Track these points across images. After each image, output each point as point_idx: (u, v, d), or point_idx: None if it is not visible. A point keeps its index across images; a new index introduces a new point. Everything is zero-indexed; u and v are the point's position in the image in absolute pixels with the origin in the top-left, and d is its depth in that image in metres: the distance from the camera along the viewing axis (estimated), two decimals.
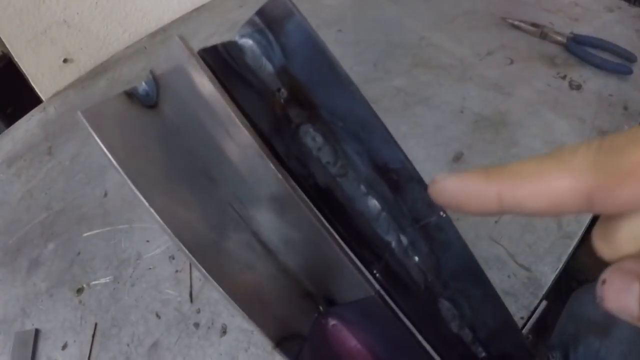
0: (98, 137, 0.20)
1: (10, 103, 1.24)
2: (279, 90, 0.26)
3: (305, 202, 0.25)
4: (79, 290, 0.56)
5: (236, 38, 0.26)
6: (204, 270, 0.22)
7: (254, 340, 0.45)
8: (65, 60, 0.92)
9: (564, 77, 0.64)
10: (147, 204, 0.21)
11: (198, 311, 0.48)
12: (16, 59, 0.89)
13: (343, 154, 0.27)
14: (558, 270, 0.44)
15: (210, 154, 0.25)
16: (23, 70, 0.90)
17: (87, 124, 0.20)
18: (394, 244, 0.30)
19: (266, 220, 0.27)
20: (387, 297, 0.28)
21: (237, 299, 0.25)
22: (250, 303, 0.26)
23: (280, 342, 0.26)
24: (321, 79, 0.26)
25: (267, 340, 0.25)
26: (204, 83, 0.22)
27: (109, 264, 0.57)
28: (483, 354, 0.35)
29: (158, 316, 0.49)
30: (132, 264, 0.55)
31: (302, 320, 0.29)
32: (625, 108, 0.59)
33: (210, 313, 0.48)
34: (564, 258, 0.45)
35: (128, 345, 0.49)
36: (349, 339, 0.29)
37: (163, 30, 0.96)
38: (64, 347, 0.52)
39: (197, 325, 0.47)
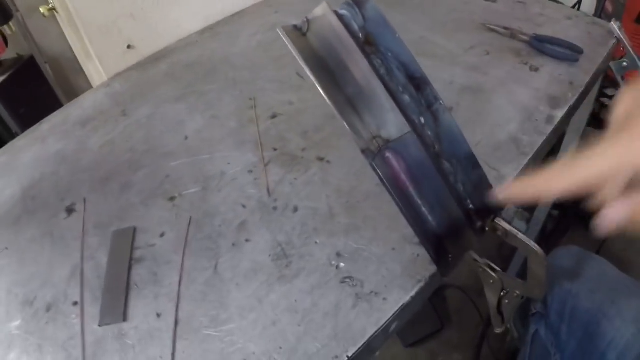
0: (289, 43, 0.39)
1: (25, 104, 1.35)
2: (360, 36, 0.45)
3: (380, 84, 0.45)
4: (172, 199, 0.69)
5: (338, 10, 0.45)
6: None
7: (317, 213, 0.62)
8: (128, 47, 1.06)
9: (526, 64, 0.84)
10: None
11: (275, 200, 0.65)
12: (87, 42, 1.02)
13: (391, 69, 0.47)
14: (518, 170, 0.63)
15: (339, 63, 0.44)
16: (92, 52, 1.04)
17: (285, 36, 0.39)
18: (417, 122, 0.49)
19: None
20: (419, 134, 0.47)
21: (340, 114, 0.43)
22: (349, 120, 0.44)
23: (363, 150, 0.44)
24: (382, 32, 0.45)
25: (357, 144, 0.43)
26: (336, 24, 0.41)
27: (196, 180, 0.71)
28: (470, 206, 0.53)
29: (244, 206, 0.65)
30: (217, 178, 0.71)
31: (372, 147, 0.46)
32: (571, 83, 0.79)
33: (285, 200, 0.64)
34: (522, 165, 0.64)
35: (220, 226, 0.64)
36: (395, 165, 0.47)
37: (210, 28, 1.11)
38: (162, 235, 0.64)
39: (275, 208, 0.64)
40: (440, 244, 0.49)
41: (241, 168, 0.71)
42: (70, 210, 0.72)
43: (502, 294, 0.58)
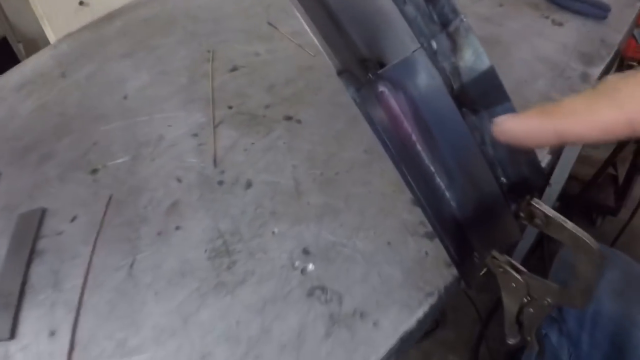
0: None
1: None
2: None
3: None
4: (94, 171, 0.52)
5: None
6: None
7: (279, 189, 0.41)
8: (81, 3, 0.89)
9: (547, 17, 0.69)
10: None
11: (222, 172, 0.45)
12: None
13: None
14: None
15: None
16: (40, 12, 0.87)
17: None
18: (431, 47, 0.30)
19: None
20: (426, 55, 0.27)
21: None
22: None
23: (342, 72, 0.25)
24: None
25: (333, 64, 0.24)
26: None
27: (127, 148, 0.53)
28: (503, 179, 0.33)
29: (179, 180, 0.46)
30: (152, 144, 0.52)
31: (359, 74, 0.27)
32: (603, 40, 0.65)
33: (235, 172, 0.45)
34: None
35: (145, 207, 0.45)
36: (393, 104, 0.28)
37: None
38: (73, 219, 0.48)
39: (221, 182, 0.44)
40: (462, 237, 0.31)
41: (184, 131, 0.51)
42: None
43: (525, 300, 0.40)
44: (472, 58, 0.31)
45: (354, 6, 0.28)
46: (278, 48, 0.63)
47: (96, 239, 0.45)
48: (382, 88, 0.28)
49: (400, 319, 0.34)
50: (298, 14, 0.26)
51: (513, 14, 0.72)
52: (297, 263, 0.37)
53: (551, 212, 0.32)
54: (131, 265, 0.40)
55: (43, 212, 0.51)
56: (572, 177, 1.45)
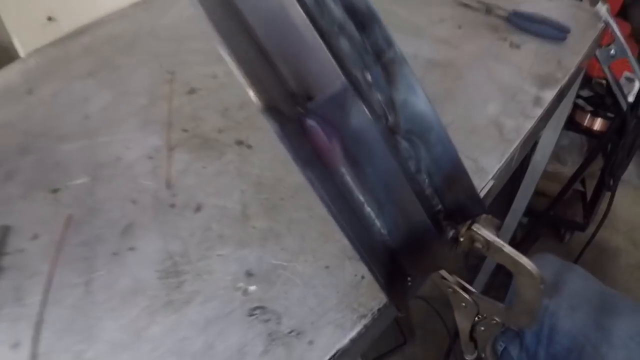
0: None
1: None
2: None
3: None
4: (55, 191, 0.54)
5: None
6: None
7: (227, 213, 0.44)
8: (49, 19, 0.90)
9: (505, 39, 0.70)
10: None
11: (174, 195, 0.47)
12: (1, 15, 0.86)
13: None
14: (502, 162, 0.46)
15: None
16: (8, 26, 0.88)
17: None
18: (360, 78, 0.32)
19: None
20: (355, 92, 0.29)
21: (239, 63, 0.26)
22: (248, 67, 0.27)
23: (267, 109, 0.27)
24: None
25: (257, 101, 0.26)
26: None
27: (87, 169, 0.55)
28: (439, 206, 0.36)
29: (134, 202, 0.48)
30: (111, 166, 0.54)
31: (287, 109, 0.29)
32: (559, 62, 0.65)
33: (186, 195, 0.47)
34: (507, 155, 0.47)
35: (102, 228, 0.47)
36: (322, 138, 0.30)
37: (144, 1, 0.95)
38: (34, 237, 0.49)
39: (172, 205, 0.46)
40: (394, 262, 0.34)
41: (141, 153, 0.53)
42: None
43: (476, 319, 0.44)
44: (406, 89, 0.34)
45: (283, 40, 0.29)
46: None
47: (55, 257, 0.47)
48: (310, 122, 0.31)
49: (334, 339, 0.36)
50: (220, 47, 0.29)
51: (471, 37, 0.73)
52: (240, 284, 0.40)
53: (490, 237, 0.34)
54: (87, 283, 0.43)
55: (7, 229, 0.52)
56: (539, 193, 1.50)
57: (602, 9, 0.78)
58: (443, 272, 0.39)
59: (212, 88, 0.62)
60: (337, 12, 0.31)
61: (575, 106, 1.52)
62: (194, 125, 0.56)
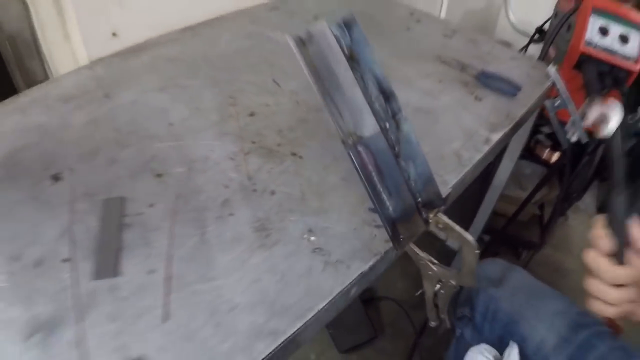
0: (296, 50, 0.55)
1: None
2: (347, 52, 0.62)
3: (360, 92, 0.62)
4: (159, 175, 0.79)
5: (333, 29, 0.61)
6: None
7: (292, 197, 0.77)
8: (113, 34, 1.16)
9: (472, 93, 1.03)
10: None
11: (254, 184, 0.78)
12: (74, 24, 1.09)
13: (367, 81, 0.62)
14: (458, 178, 0.82)
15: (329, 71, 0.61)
16: (78, 35, 1.07)
17: (293, 44, 0.55)
18: (383, 126, 0.66)
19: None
20: (385, 135, 0.64)
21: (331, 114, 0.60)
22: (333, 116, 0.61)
23: (342, 141, 0.61)
24: (363, 51, 0.62)
25: (339, 134, 0.60)
26: (332, 41, 0.58)
27: (182, 162, 0.81)
28: (419, 199, 0.70)
29: (226, 187, 0.79)
30: (201, 161, 0.82)
31: (350, 141, 0.63)
32: (508, 114, 0.98)
33: (263, 185, 0.77)
34: (461, 175, 0.83)
35: (205, 201, 0.76)
36: (364, 157, 0.63)
37: (191, 28, 1.23)
38: (151, 205, 0.72)
39: (254, 190, 0.78)
40: (394, 226, 0.65)
41: (223, 155, 0.84)
42: (56, 178, 0.78)
43: (438, 286, 0.74)
44: (405, 134, 0.65)
45: (347, 102, 0.60)
46: (282, 102, 0.95)
47: (173, 217, 0.76)
48: (360, 148, 0.64)
49: (361, 266, 0.67)
50: (321, 99, 0.60)
51: (448, 90, 1.05)
52: (305, 236, 0.69)
53: (447, 220, 0.65)
54: (202, 234, 0.70)
55: (123, 199, 0.73)
56: (501, 215, 1.85)
57: (552, 70, 1.05)
58: (417, 250, 0.70)
59: (267, 114, 0.93)
60: (374, 91, 0.64)
61: (537, 141, 1.83)
62: (259, 139, 0.86)
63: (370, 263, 0.67)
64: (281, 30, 1.21)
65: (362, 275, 0.66)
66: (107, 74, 1.08)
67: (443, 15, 2.37)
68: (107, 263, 0.67)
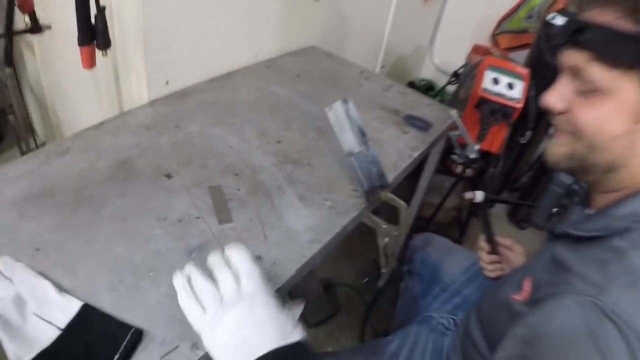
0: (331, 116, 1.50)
1: None
2: (345, 114, 1.62)
3: (351, 132, 1.63)
4: (236, 174, 1.48)
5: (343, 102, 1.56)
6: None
7: (315, 185, 1.65)
8: (167, 83, 1.63)
9: (402, 129, 1.81)
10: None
11: (291, 178, 1.62)
12: (142, 70, 1.58)
13: (355, 125, 1.59)
14: (395, 176, 1.81)
15: (342, 126, 1.62)
16: (144, 80, 1.70)
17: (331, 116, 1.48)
18: (362, 148, 1.63)
19: None
20: (363, 152, 1.65)
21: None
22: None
23: (346, 154, 1.60)
24: (353, 111, 1.62)
25: (344, 151, 1.58)
26: (342, 109, 1.55)
27: (247, 167, 1.51)
28: (377, 183, 1.63)
29: (276, 180, 1.56)
30: (258, 167, 1.53)
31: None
32: (423, 140, 1.80)
33: (298, 179, 1.62)
34: (396, 174, 1.78)
35: (265, 191, 1.54)
36: (355, 162, 1.63)
37: (215, 80, 1.80)
38: (238, 189, 1.32)
39: (292, 181, 1.61)
40: (367, 195, 1.51)
41: (269, 163, 1.56)
42: (169, 176, 1.29)
43: (387, 239, 1.55)
44: (371, 152, 1.51)
45: (346, 136, 1.52)
46: (294, 135, 1.73)
47: (253, 194, 1.53)
48: (351, 158, 1.55)
49: (353, 212, 1.54)
50: (338, 138, 1.58)
51: (386, 127, 1.70)
52: (324, 201, 1.54)
53: (390, 195, 1.50)
54: (272, 202, 1.47)
55: (220, 186, 1.46)
56: (424, 218, 2.54)
57: (453, 112, 1.70)
58: (373, 217, 1.57)
59: (287, 142, 1.67)
60: (357, 130, 1.55)
61: (452, 161, 2.51)
62: (286, 155, 1.60)
63: (357, 212, 1.48)
64: (279, 85, 1.88)
65: (354, 218, 1.53)
66: (168, 111, 1.57)
67: (381, 58, 3.20)
68: (225, 216, 1.23)
